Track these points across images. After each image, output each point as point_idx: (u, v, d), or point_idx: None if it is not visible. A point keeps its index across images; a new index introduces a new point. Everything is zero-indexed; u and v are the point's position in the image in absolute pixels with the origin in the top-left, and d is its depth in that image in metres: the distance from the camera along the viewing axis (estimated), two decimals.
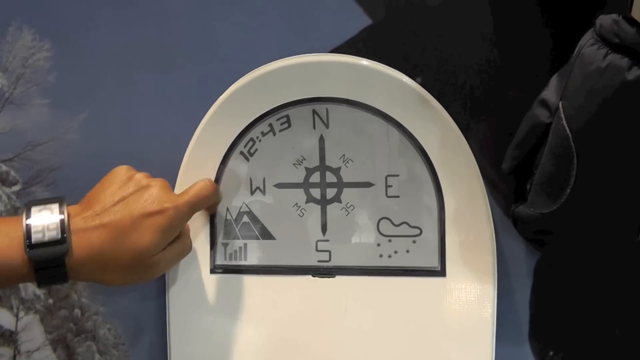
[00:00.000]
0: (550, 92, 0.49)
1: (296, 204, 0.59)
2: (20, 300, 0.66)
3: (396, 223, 0.58)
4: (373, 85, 0.56)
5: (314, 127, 0.58)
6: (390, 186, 0.58)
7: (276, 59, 0.56)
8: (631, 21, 0.42)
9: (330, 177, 0.58)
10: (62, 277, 0.48)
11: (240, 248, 0.60)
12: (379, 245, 0.59)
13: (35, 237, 0.47)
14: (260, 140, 0.59)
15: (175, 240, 0.53)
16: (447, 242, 0.57)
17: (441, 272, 0.57)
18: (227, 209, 0.60)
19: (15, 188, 0.64)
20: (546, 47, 0.54)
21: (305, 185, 0.59)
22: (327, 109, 0.57)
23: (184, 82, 0.60)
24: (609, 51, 0.43)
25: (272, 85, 0.57)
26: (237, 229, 0.60)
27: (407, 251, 0.58)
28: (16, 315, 0.66)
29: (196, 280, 0.61)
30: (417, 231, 0.58)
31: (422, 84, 0.55)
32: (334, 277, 0.59)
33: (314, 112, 0.57)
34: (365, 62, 0.56)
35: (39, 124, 0.62)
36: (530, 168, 0.52)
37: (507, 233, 0.57)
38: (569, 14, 0.53)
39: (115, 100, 0.61)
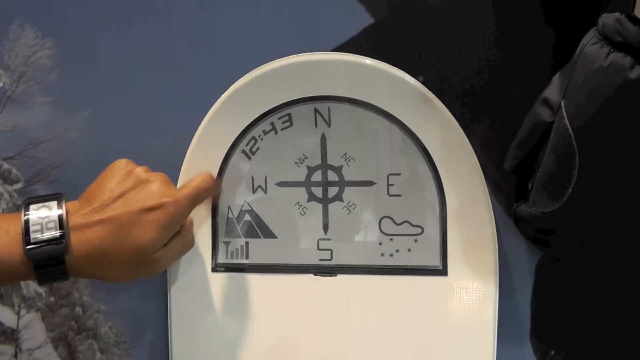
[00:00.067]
0: (552, 91, 0.49)
1: (298, 202, 0.59)
2: (21, 298, 0.66)
3: (398, 222, 0.58)
4: (375, 84, 0.56)
5: (316, 126, 0.58)
6: (392, 185, 0.58)
7: (278, 58, 0.56)
8: (634, 20, 0.42)
9: (332, 176, 0.58)
10: (62, 274, 0.48)
11: (241, 246, 0.60)
12: (380, 244, 0.59)
13: (34, 236, 0.47)
14: (262, 139, 0.59)
15: (176, 235, 0.52)
16: (448, 241, 0.57)
17: (443, 271, 0.57)
18: (229, 207, 0.60)
19: (17, 186, 0.64)
20: (548, 45, 0.54)
21: (307, 183, 0.59)
22: (329, 108, 0.57)
23: (186, 80, 0.60)
24: (612, 50, 0.43)
25: (274, 84, 0.57)
26: (238, 228, 0.60)
27: (409, 250, 0.58)
28: (17, 313, 0.67)
29: (198, 278, 0.61)
30: (419, 230, 0.58)
31: (424, 83, 0.55)
32: (335, 275, 0.59)
33: (316, 110, 0.57)
34: (367, 60, 0.56)
35: (40, 122, 0.62)
36: (532, 167, 0.52)
37: (508, 232, 0.57)
38: (571, 12, 0.53)
39: (117, 98, 0.61)
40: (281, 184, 0.59)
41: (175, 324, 0.61)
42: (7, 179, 0.64)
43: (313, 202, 0.59)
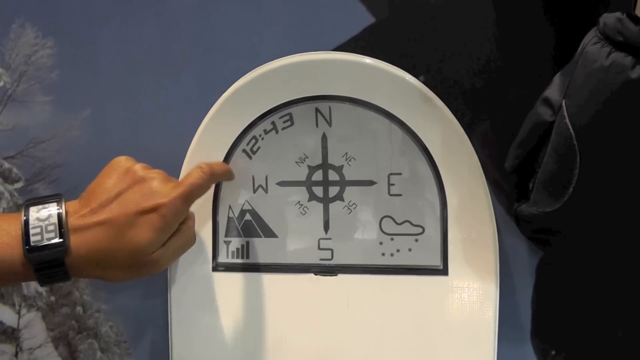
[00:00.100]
0: (553, 91, 0.49)
1: (298, 202, 0.59)
2: (22, 298, 0.66)
3: (398, 221, 0.58)
4: (376, 83, 0.56)
5: (317, 125, 0.58)
6: (393, 184, 0.58)
7: (279, 57, 0.56)
8: (635, 19, 0.42)
9: (332, 175, 0.58)
10: (63, 276, 0.48)
11: (242, 246, 0.60)
12: (381, 243, 0.59)
13: (34, 240, 0.47)
14: (262, 138, 0.58)
15: (176, 233, 0.52)
16: (449, 241, 0.57)
17: (443, 271, 0.57)
18: (230, 206, 0.60)
19: (18, 185, 0.64)
20: (549, 45, 0.54)
21: (308, 183, 0.59)
22: (329, 107, 0.57)
23: (186, 80, 0.60)
24: (613, 49, 0.43)
25: (275, 83, 0.57)
26: (239, 227, 0.60)
27: (410, 250, 0.58)
28: (18, 313, 0.67)
29: (198, 278, 0.61)
30: (420, 230, 0.58)
31: (425, 82, 0.55)
32: (336, 275, 0.59)
33: (317, 110, 0.57)
34: (368, 60, 0.56)
35: (41, 121, 0.62)
36: (532, 167, 0.52)
37: (509, 232, 0.57)
38: (572, 12, 0.53)
39: (118, 97, 0.61)
40: (282, 184, 0.59)
41: (175, 323, 0.61)
42: (8, 178, 0.64)
43: (314, 202, 0.59)
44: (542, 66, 0.54)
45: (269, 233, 0.60)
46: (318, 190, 0.59)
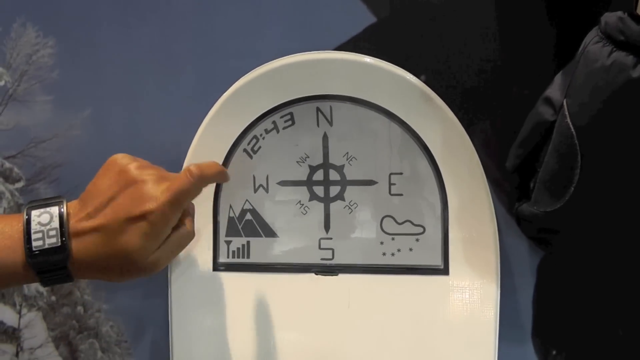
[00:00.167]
0: (554, 90, 0.49)
1: (299, 201, 0.59)
2: (23, 297, 0.66)
3: (399, 221, 0.58)
4: (377, 83, 0.56)
5: (318, 125, 0.58)
6: (394, 184, 0.58)
7: (280, 57, 0.56)
8: (636, 18, 0.42)
9: (333, 175, 0.58)
10: (66, 278, 0.48)
11: (243, 246, 0.60)
12: (382, 243, 0.58)
13: (36, 245, 0.46)
14: (263, 138, 0.58)
15: (171, 233, 0.50)
16: (450, 241, 0.57)
17: (444, 271, 0.57)
18: (230, 206, 0.60)
19: (19, 185, 0.64)
20: (550, 44, 0.54)
21: (309, 182, 0.59)
22: (330, 107, 0.57)
23: (187, 79, 0.60)
24: (614, 49, 0.43)
25: (276, 83, 0.57)
26: (240, 227, 0.60)
27: (410, 249, 0.58)
28: (19, 312, 0.67)
29: (199, 277, 0.61)
30: (420, 229, 0.58)
31: (426, 82, 0.55)
32: (336, 275, 0.59)
33: (318, 109, 0.57)
34: (369, 59, 0.55)
35: (42, 121, 0.62)
36: (534, 166, 0.52)
37: (510, 231, 0.57)
38: (573, 11, 0.53)
39: (119, 97, 0.61)
40: (283, 183, 0.59)
41: (176, 323, 0.60)
42: (9, 178, 0.64)
43: (314, 201, 0.59)
44: (543, 65, 0.54)
45: (270, 233, 0.60)
46: (319, 190, 0.59)
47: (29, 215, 0.47)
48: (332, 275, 0.59)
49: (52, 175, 0.63)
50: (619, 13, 0.43)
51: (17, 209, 0.64)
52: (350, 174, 0.58)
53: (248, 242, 0.60)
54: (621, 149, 0.46)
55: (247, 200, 0.60)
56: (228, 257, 0.60)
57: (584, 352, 0.59)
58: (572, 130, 0.46)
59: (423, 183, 0.57)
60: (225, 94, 0.58)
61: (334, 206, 0.59)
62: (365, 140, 0.57)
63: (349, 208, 0.59)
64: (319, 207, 0.59)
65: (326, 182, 0.59)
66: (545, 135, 0.50)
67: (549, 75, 0.50)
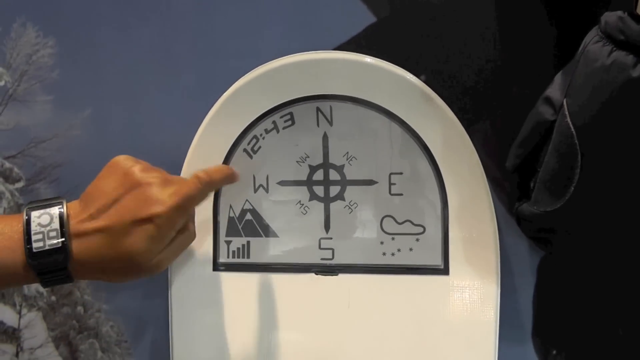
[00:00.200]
0: (554, 90, 0.49)
1: (299, 201, 0.59)
2: (23, 298, 0.66)
3: (399, 221, 0.58)
4: (377, 82, 0.56)
5: (318, 125, 0.58)
6: (394, 184, 0.58)
7: (280, 56, 0.56)
8: (636, 18, 0.42)
9: (333, 175, 0.58)
10: (66, 279, 0.48)
11: (243, 245, 0.60)
12: (382, 243, 0.58)
13: (36, 246, 0.46)
14: (263, 138, 0.58)
15: (175, 236, 0.51)
16: (450, 240, 0.57)
17: (444, 270, 0.57)
18: (230, 206, 0.60)
19: (19, 185, 0.64)
20: (550, 44, 0.54)
21: (309, 182, 0.59)
22: (330, 107, 0.57)
23: (187, 79, 0.60)
24: (614, 48, 0.43)
25: (276, 83, 0.57)
26: (240, 227, 0.60)
27: (410, 249, 0.58)
28: (19, 313, 0.67)
29: (199, 277, 0.61)
30: (421, 229, 0.58)
31: (426, 82, 0.55)
32: (336, 275, 0.59)
33: (318, 109, 0.57)
34: (369, 59, 0.56)
35: (42, 121, 0.62)
36: (534, 166, 0.52)
37: (510, 231, 0.57)
38: (573, 10, 0.53)
39: (119, 97, 0.61)
40: (283, 183, 0.59)
41: (176, 323, 0.60)
42: (9, 178, 0.64)
43: (314, 201, 0.59)
44: (543, 65, 0.54)
45: (270, 233, 0.60)
46: (319, 190, 0.59)
47: (28, 216, 0.47)
48: (332, 275, 0.59)
49: (52, 175, 0.63)
50: (619, 12, 0.43)
51: (17, 209, 0.64)
52: (350, 173, 0.58)
53: (248, 242, 0.60)
54: (621, 148, 0.46)
55: (247, 200, 0.60)
56: (228, 257, 0.60)
57: (584, 352, 0.59)
58: (572, 129, 0.46)
59: (423, 183, 0.57)
60: (225, 93, 0.58)
61: (334, 206, 0.59)
62: (365, 140, 0.57)
63: (349, 208, 0.59)
64: (319, 207, 0.59)
65: (326, 182, 0.59)
66: (546, 135, 0.50)
67: (549, 75, 0.50)
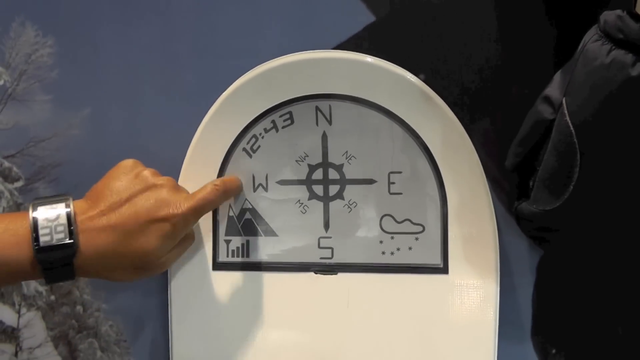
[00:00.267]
0: (553, 89, 0.49)
1: (299, 200, 0.59)
2: (22, 297, 0.66)
3: (399, 220, 0.58)
4: (376, 82, 0.56)
5: (317, 124, 0.58)
6: (393, 183, 0.58)
7: (279, 55, 0.56)
8: (635, 17, 0.42)
9: (333, 174, 0.58)
10: (69, 275, 0.48)
11: (242, 245, 0.60)
12: (381, 242, 0.58)
13: (43, 240, 0.47)
14: (263, 137, 0.58)
15: (182, 239, 0.53)
16: (449, 239, 0.57)
17: (444, 270, 0.57)
18: (230, 205, 0.60)
19: (18, 184, 0.64)
20: (549, 43, 0.54)
21: (308, 182, 0.59)
22: (330, 106, 0.57)
23: (186, 79, 0.60)
24: (613, 47, 0.43)
25: (275, 82, 0.57)
26: (239, 226, 0.60)
27: (410, 248, 0.58)
28: (18, 312, 0.66)
29: (198, 277, 0.61)
30: (420, 228, 0.58)
31: (425, 81, 0.55)
32: (336, 274, 0.59)
33: (317, 108, 0.57)
34: (368, 58, 0.56)
35: (41, 120, 0.62)
36: (533, 165, 0.52)
37: (510, 230, 0.57)
38: (572, 9, 0.53)
39: (118, 96, 0.61)
40: (282, 182, 0.59)
41: (175, 323, 0.61)
42: (8, 177, 0.64)
43: (314, 200, 0.59)
44: (543, 64, 0.54)
45: (269, 232, 0.60)
46: (318, 189, 0.59)
47: (36, 210, 0.48)
48: (331, 274, 0.59)
49: (51, 175, 0.63)
50: (618, 11, 0.43)
51: (16, 208, 0.64)
52: (350, 172, 0.58)
53: (247, 241, 0.60)
54: (620, 147, 0.46)
55: (246, 199, 0.60)
56: (227, 256, 0.60)
57: (584, 351, 0.59)
58: (571, 128, 0.46)
59: (422, 182, 0.57)
60: (224, 93, 0.58)
61: (334, 205, 0.59)
62: (364, 139, 0.57)
63: (349, 207, 0.59)
64: (319, 206, 0.59)
65: (325, 181, 0.59)
66: (545, 134, 0.50)
67: (548, 75, 0.50)
